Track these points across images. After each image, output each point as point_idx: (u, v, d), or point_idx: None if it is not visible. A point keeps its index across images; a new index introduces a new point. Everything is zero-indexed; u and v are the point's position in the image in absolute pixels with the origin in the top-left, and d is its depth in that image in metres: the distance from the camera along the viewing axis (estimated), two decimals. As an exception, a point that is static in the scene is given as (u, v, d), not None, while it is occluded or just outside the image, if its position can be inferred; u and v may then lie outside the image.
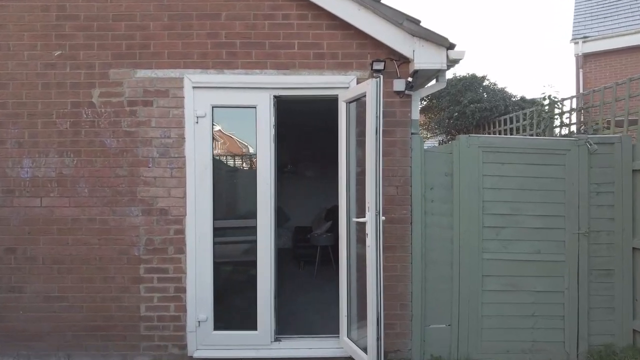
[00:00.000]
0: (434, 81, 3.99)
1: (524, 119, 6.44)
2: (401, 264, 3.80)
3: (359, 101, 3.56)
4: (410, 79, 3.69)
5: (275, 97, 3.76)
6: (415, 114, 3.86)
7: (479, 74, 8.78)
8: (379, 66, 3.60)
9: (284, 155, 9.00)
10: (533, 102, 8.07)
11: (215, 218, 3.77)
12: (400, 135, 3.78)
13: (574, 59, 13.54)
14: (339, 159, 3.70)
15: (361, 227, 3.34)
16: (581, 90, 13.06)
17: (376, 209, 3.03)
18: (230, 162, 3.97)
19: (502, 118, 7.30)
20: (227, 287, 3.93)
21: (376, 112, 3.05)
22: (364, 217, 3.16)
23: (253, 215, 3.78)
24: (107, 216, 3.77)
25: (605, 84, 5.35)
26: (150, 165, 3.77)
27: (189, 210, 3.75)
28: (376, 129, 3.07)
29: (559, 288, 3.88)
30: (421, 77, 3.80)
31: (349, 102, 3.61)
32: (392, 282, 3.77)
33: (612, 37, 12.66)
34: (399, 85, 3.72)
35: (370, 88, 3.08)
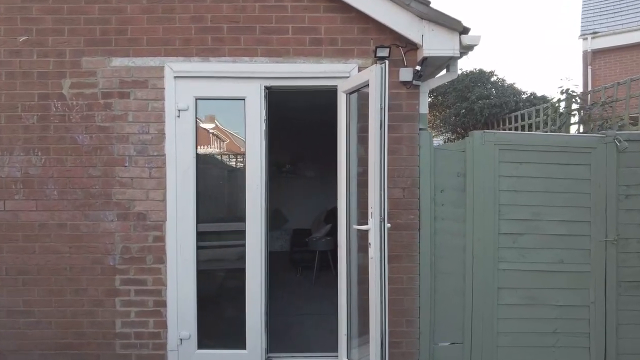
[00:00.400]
0: (444, 71, 3.60)
1: (537, 116, 6.02)
2: (407, 275, 3.40)
3: (361, 92, 3.15)
4: (418, 68, 3.28)
5: (266, 87, 3.35)
6: (424, 107, 3.45)
7: (486, 70, 8.35)
8: (383, 53, 3.19)
9: (283, 154, 8.68)
10: (544, 98, 7.66)
11: (199, 222, 3.37)
12: (407, 131, 3.37)
13: (581, 56, 13.12)
14: (339, 157, 3.29)
15: (363, 234, 2.94)
16: (589, 88, 12.63)
17: (381, 215, 2.63)
18: (217, 161, 3.56)
19: (512, 115, 6.88)
20: (213, 300, 3.52)
21: (381, 103, 2.64)
22: (367, 223, 2.76)
23: (241, 218, 3.38)
24: (78, 221, 3.37)
25: (631, 77, 4.93)
26: (126, 165, 3.37)
27: (169, 214, 3.35)
28: (381, 122, 2.66)
29: (584, 302, 3.47)
30: (430, 65, 3.40)
31: (349, 93, 3.21)
32: (398, 295, 3.37)
33: (623, 32, 12.23)
34: (405, 74, 3.31)
35: (374, 75, 2.67)
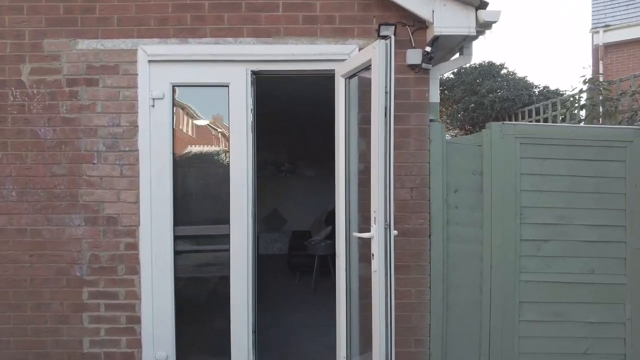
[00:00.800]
0: (457, 54, 3.16)
1: (554, 109, 5.55)
2: (416, 288, 2.96)
3: (362, 77, 2.72)
4: (428, 49, 2.85)
5: (253, 72, 2.92)
6: (435, 95, 3.02)
7: (496, 62, 7.88)
8: (387, 31, 2.74)
9: (281, 152, 8.31)
10: (557, 92, 7.20)
11: (177, 224, 2.95)
12: (416, 122, 2.94)
13: (590, 50, 12.61)
14: (337, 153, 2.86)
15: (365, 241, 2.50)
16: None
17: (386, 220, 2.19)
18: (197, 156, 3.13)
19: (526, 109, 6.41)
20: (194, 314, 3.11)
21: (386, 86, 2.21)
22: (369, 230, 2.32)
23: (225, 220, 2.95)
24: (40, 226, 2.96)
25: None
26: (95, 162, 2.95)
27: (143, 218, 2.93)
28: (386, 109, 2.23)
29: (618, 318, 3.02)
30: (442, 47, 2.96)
31: (348, 78, 2.77)
32: (405, 311, 2.93)
33: (637, 25, 11.71)
34: (413, 56, 2.88)
35: (378, 53, 2.23)
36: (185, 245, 3.05)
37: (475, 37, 2.92)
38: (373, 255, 2.24)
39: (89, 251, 2.96)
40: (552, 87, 7.42)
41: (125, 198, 2.95)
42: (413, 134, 2.93)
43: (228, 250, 2.97)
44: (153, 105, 2.90)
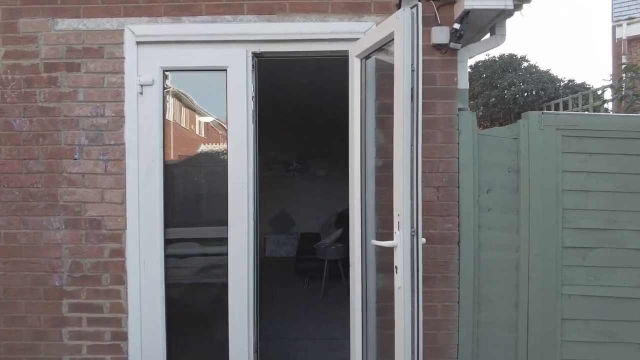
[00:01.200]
0: (487, 35, 2.76)
1: (585, 102, 5.11)
2: (443, 303, 2.56)
3: (379, 59, 2.34)
4: (457, 26, 2.45)
5: (254, 54, 2.55)
6: (464, 81, 2.62)
7: (517, 55, 7.42)
8: (409, 5, 2.35)
9: (290, 150, 7.97)
10: (584, 86, 6.72)
11: (168, 226, 2.60)
12: (443, 111, 2.54)
13: (611, 44, 12.03)
14: (351, 146, 2.47)
15: (384, 249, 2.12)
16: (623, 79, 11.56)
17: (412, 226, 1.80)
18: (191, 151, 2.77)
19: (552, 103, 5.95)
20: (187, 326, 2.74)
21: (412, 62, 1.82)
22: (390, 237, 1.93)
23: (223, 222, 2.59)
24: (16, 229, 2.62)
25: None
26: (76, 157, 2.61)
27: (130, 221, 2.58)
28: (412, 91, 1.83)
29: (679, 339, 2.60)
30: (472, 25, 2.56)
31: (365, 58, 2.38)
32: (430, 329, 2.54)
33: (663, 17, 11.12)
34: (439, 35, 2.49)
35: (403, 23, 1.84)
36: (178, 249, 2.68)
37: (511, 14, 2.52)
38: (397, 268, 1.85)
39: (69, 258, 2.61)
40: (578, 81, 6.93)
41: (110, 198, 2.59)
42: (439, 125, 2.53)
43: (226, 254, 2.61)
44: (141, 93, 2.55)
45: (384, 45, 2.12)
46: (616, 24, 11.83)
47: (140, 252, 2.57)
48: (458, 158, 2.54)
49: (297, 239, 7.51)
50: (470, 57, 2.75)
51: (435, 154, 2.53)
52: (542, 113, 2.64)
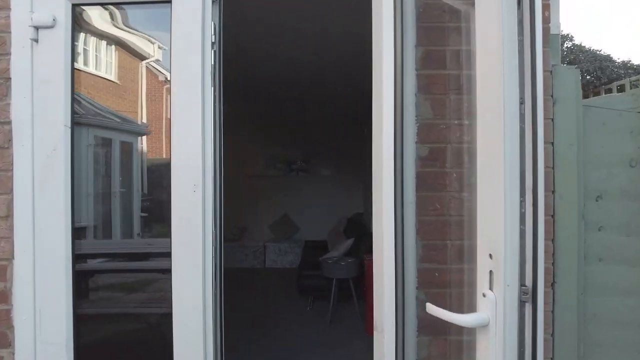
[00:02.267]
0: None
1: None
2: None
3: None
4: None
5: (216, -27, 1.58)
6: (555, 24, 1.62)
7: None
8: None
9: (293, 147, 7.08)
10: None
11: (79, 239, 1.64)
12: (527, 66, 1.54)
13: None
14: (375, 123, 1.47)
15: (432, 296, 1.13)
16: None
17: (523, 284, 0.80)
18: (117, 131, 1.79)
19: (614, 84, 4.90)
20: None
21: None
22: (463, 300, 0.94)
23: (164, 233, 1.61)
24: None
25: None
26: (-60, 143, 1.66)
27: (19, 245, 1.61)
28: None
29: None
30: None
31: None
32: None
33: None
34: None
35: None
36: (92, 268, 1.72)
37: None
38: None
39: None
40: (635, 62, 5.87)
41: (-11, 209, 1.64)
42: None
43: (169, 276, 1.62)
44: (37, 40, 1.58)
45: None
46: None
47: (35, 292, 1.60)
48: (553, 144, 1.53)
49: (301, 248, 6.58)
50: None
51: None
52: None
